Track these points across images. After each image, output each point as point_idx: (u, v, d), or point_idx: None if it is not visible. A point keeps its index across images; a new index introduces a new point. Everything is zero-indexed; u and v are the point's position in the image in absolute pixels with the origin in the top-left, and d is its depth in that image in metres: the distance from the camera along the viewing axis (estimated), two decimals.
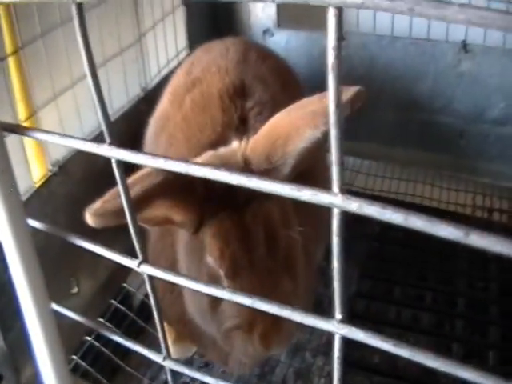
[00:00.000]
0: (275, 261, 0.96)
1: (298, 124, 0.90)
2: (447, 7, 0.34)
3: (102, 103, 0.51)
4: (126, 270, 1.41)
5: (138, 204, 0.83)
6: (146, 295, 0.84)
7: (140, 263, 0.59)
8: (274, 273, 0.96)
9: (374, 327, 1.55)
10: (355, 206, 0.41)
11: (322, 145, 0.90)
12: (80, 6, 0.47)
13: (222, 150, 1.03)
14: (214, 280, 0.96)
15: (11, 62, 1.36)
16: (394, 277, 1.84)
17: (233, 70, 1.36)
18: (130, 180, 0.81)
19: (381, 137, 2.27)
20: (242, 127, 1.20)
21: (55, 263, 1.39)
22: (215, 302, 0.98)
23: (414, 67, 2.16)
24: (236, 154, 0.98)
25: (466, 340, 1.66)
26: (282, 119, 0.94)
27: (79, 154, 1.44)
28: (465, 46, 2.05)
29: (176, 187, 0.91)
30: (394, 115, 2.23)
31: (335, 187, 0.42)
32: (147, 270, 0.59)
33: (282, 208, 0.99)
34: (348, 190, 0.41)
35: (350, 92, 0.88)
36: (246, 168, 0.94)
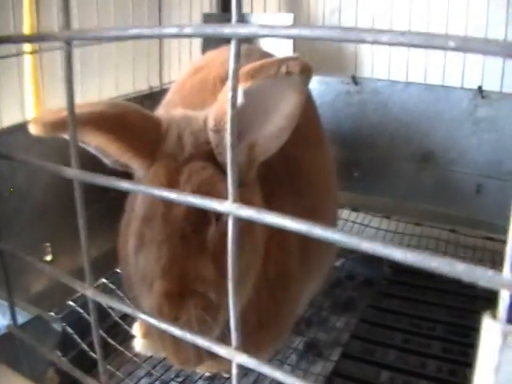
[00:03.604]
0: (197, 237, 0.90)
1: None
2: None
3: None
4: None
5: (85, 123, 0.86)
6: None
7: None
8: (193, 248, 0.89)
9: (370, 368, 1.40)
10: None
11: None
12: None
13: (191, 112, 1.03)
14: None
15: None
16: (397, 324, 1.75)
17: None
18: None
19: (393, 191, 2.16)
20: None
21: (27, 224, 1.43)
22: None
23: (429, 114, 2.06)
24: (199, 117, 0.99)
25: None
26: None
27: None
28: (481, 92, 1.94)
29: (130, 125, 0.92)
30: (407, 167, 2.11)
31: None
32: None
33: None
34: None
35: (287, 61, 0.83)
36: (204, 129, 0.95)
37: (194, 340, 0.47)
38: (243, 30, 0.39)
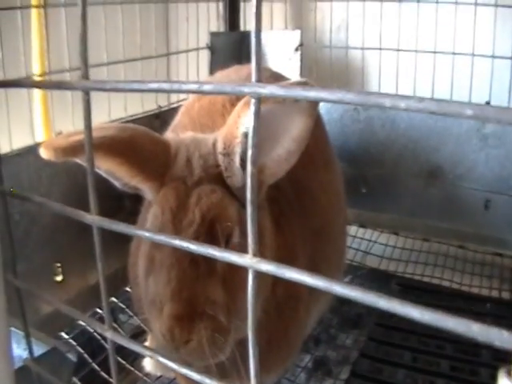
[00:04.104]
0: (206, 261, 0.91)
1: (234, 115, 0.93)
2: None
3: None
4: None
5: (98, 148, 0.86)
6: None
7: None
8: (202, 271, 0.90)
9: None
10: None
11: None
12: None
13: (200, 135, 1.05)
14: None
15: None
16: (406, 343, 1.74)
17: (242, 81, 1.39)
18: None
19: (401, 207, 2.17)
20: None
21: (37, 245, 1.45)
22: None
23: (436, 130, 2.06)
24: (208, 140, 1.01)
25: None
26: None
27: None
28: None
29: (140, 148, 0.94)
30: (415, 183, 2.12)
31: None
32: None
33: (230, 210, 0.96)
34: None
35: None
36: (213, 152, 0.98)
37: None
38: (263, 91, 0.40)
